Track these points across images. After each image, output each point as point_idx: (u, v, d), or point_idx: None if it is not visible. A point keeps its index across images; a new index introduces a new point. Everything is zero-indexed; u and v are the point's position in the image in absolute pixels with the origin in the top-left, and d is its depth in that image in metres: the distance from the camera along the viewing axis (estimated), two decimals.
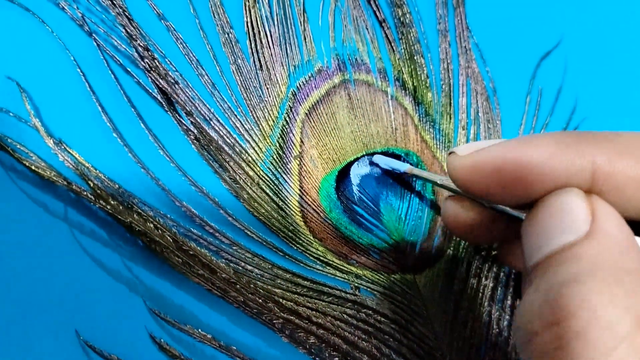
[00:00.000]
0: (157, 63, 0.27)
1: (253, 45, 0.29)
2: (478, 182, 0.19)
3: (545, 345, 0.15)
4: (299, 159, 0.27)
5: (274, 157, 0.27)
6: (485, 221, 0.21)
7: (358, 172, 0.28)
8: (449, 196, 0.22)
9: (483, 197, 0.20)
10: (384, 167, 0.27)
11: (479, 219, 0.21)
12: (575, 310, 0.15)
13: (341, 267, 0.26)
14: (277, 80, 0.28)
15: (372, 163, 0.28)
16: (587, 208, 0.17)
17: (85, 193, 0.24)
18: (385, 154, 0.28)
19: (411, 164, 0.28)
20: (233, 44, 0.28)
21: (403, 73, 0.30)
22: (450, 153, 0.20)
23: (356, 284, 0.26)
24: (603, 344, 0.14)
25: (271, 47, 0.29)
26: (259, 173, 0.27)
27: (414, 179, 0.28)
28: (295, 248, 0.26)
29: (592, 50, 0.32)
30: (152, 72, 0.27)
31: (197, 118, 0.27)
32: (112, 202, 0.24)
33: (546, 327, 0.15)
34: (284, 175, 0.27)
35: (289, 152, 0.27)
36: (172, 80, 0.27)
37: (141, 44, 0.27)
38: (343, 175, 0.28)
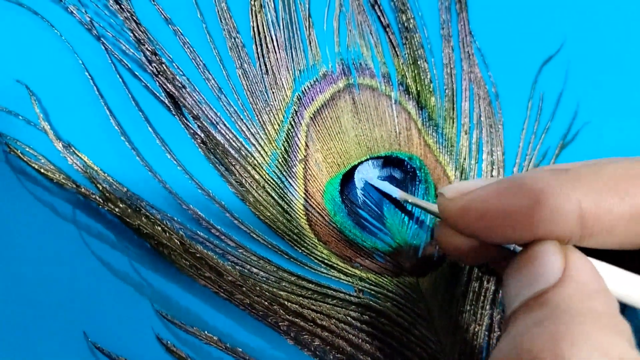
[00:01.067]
0: (165, 67, 0.27)
1: (259, 49, 0.29)
2: (467, 225, 0.19)
3: None
4: (304, 162, 0.28)
5: (280, 160, 0.27)
6: (477, 245, 0.21)
7: (362, 175, 0.28)
8: (439, 222, 0.22)
9: (473, 237, 0.20)
10: (380, 188, 0.28)
11: (471, 243, 0.21)
12: (538, 353, 0.15)
13: (345, 270, 0.27)
14: (282, 84, 0.29)
15: (367, 184, 0.28)
16: (561, 258, 0.17)
17: (93, 196, 0.25)
18: (388, 158, 0.28)
19: (415, 170, 0.28)
20: (239, 48, 0.29)
21: (407, 78, 0.30)
22: (439, 194, 0.20)
23: (360, 287, 0.27)
24: None
25: (277, 51, 0.29)
26: (264, 176, 0.27)
27: (417, 187, 0.28)
28: (300, 251, 0.27)
29: (594, 55, 0.33)
30: (159, 76, 0.27)
31: (203, 122, 0.27)
32: (120, 205, 0.25)
33: None
34: (289, 179, 0.27)
35: (294, 156, 0.28)
36: (179, 84, 0.27)
37: (149, 48, 0.27)
38: (347, 178, 0.28)
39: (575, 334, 0.15)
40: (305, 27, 0.30)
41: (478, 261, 0.22)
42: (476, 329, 0.27)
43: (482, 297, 0.27)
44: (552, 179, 0.18)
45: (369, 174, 0.28)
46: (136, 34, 0.27)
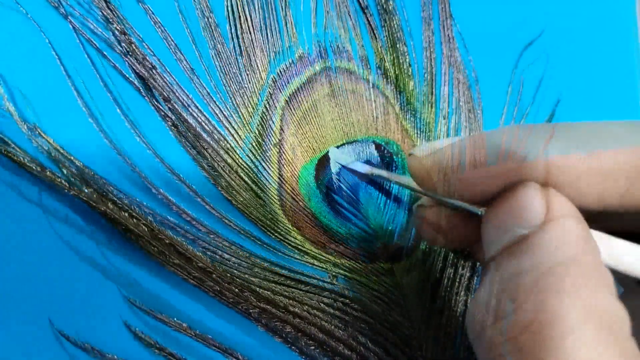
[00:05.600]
0: (135, 47, 0.26)
1: (233, 30, 0.28)
2: (438, 181, 0.20)
3: (495, 338, 0.15)
4: (278, 147, 0.27)
5: (253, 144, 0.27)
6: (456, 226, 0.21)
7: (333, 157, 0.28)
8: (419, 205, 0.23)
9: (444, 195, 0.20)
10: (347, 166, 0.27)
11: (450, 225, 0.21)
12: (523, 303, 0.15)
13: (319, 256, 0.27)
14: (257, 66, 0.28)
15: (336, 162, 0.28)
16: (542, 201, 0.17)
17: (59, 180, 0.24)
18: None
19: (391, 155, 0.28)
20: (213, 28, 0.28)
21: (385, 61, 0.30)
22: (409, 154, 0.21)
23: (334, 273, 0.27)
24: (551, 336, 0.14)
25: (252, 32, 0.28)
26: (237, 161, 0.27)
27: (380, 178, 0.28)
28: (273, 237, 0.26)
29: (574, 40, 0.33)
30: (129, 56, 0.26)
31: (175, 104, 0.26)
32: (86, 190, 0.24)
33: (494, 321, 0.16)
34: (263, 163, 0.27)
35: (269, 140, 0.27)
36: (149, 65, 0.27)
37: (118, 28, 0.26)
38: (323, 163, 0.28)
39: (559, 285, 0.15)
40: (282, 7, 0.29)
41: (455, 242, 0.23)
42: (450, 315, 0.27)
43: (456, 283, 0.27)
44: (522, 132, 0.18)
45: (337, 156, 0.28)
46: (105, 13, 0.26)
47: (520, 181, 0.18)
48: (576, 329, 0.14)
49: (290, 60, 0.29)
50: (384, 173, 0.26)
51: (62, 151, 0.25)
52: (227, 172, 0.27)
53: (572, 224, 0.17)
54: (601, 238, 0.18)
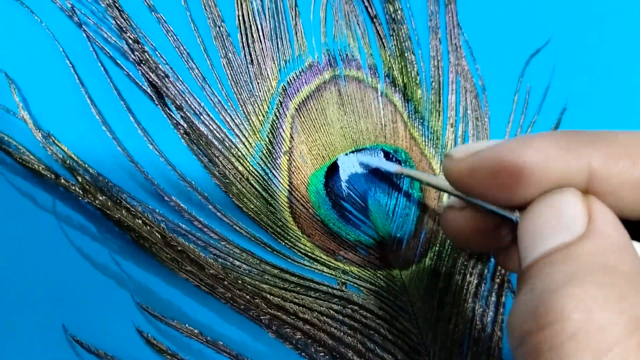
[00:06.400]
0: (148, 56, 0.27)
1: (244, 39, 0.28)
2: (475, 185, 0.19)
3: (538, 346, 0.15)
4: (288, 154, 0.28)
5: (264, 152, 0.27)
6: (485, 229, 0.21)
7: (354, 157, 0.28)
8: (448, 206, 0.22)
9: (479, 197, 0.20)
10: (374, 166, 0.28)
11: (479, 227, 0.21)
12: (570, 312, 0.15)
13: (328, 263, 0.27)
14: (267, 74, 0.28)
15: (361, 163, 0.28)
16: (584, 208, 0.17)
17: (73, 187, 0.24)
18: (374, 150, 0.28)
19: (400, 162, 0.28)
20: (224, 37, 0.28)
21: (393, 70, 0.30)
22: (445, 156, 0.20)
23: (343, 280, 0.27)
24: (596, 346, 0.14)
25: (262, 41, 0.29)
26: (248, 168, 0.27)
27: (403, 177, 0.28)
28: (283, 244, 0.27)
29: (581, 48, 0.33)
30: (142, 65, 0.26)
31: (187, 112, 0.27)
32: (100, 197, 0.24)
33: (540, 329, 0.15)
34: (274, 171, 0.27)
35: (279, 148, 0.28)
36: (162, 74, 0.27)
37: (131, 36, 0.27)
38: (332, 171, 0.28)
39: (606, 295, 0.15)
40: (292, 16, 0.29)
41: (485, 247, 0.22)
42: (458, 322, 0.27)
43: (464, 290, 0.27)
44: (564, 137, 0.18)
45: (358, 156, 0.28)
46: (118, 22, 0.27)
47: (560, 187, 0.17)
48: (623, 340, 0.14)
49: (300, 69, 0.29)
50: (413, 172, 0.26)
51: (75, 159, 0.25)
52: (238, 179, 0.27)
53: (615, 233, 0.17)
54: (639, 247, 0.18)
